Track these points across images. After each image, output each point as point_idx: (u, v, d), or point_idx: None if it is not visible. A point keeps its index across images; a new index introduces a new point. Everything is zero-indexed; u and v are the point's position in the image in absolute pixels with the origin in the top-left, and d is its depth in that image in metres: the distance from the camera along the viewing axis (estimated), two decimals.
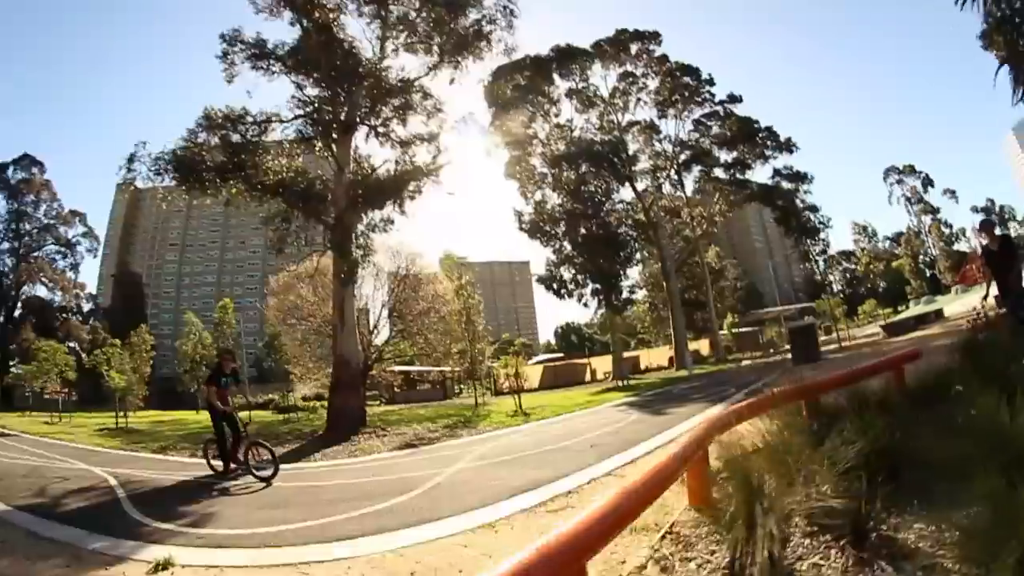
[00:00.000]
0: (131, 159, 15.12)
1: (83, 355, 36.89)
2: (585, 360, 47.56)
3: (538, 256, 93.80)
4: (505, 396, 31.77)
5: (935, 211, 76.22)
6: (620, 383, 28.74)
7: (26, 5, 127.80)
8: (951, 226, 75.95)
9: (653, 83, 41.85)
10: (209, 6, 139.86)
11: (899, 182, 77.40)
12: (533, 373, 37.78)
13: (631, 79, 41.79)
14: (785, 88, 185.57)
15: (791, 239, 40.25)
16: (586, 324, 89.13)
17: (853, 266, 79.83)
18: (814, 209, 39.61)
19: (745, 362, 34.64)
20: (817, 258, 40.88)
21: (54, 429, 22.05)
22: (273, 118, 17.77)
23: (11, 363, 46.90)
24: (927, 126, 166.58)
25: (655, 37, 41.71)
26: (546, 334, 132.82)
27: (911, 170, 77.11)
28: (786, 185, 40.31)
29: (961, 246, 74.31)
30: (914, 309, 43.89)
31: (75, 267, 60.19)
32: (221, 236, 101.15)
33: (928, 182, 76.55)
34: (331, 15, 18.75)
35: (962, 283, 50.88)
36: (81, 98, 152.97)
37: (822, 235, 39.79)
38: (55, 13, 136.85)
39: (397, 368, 31.06)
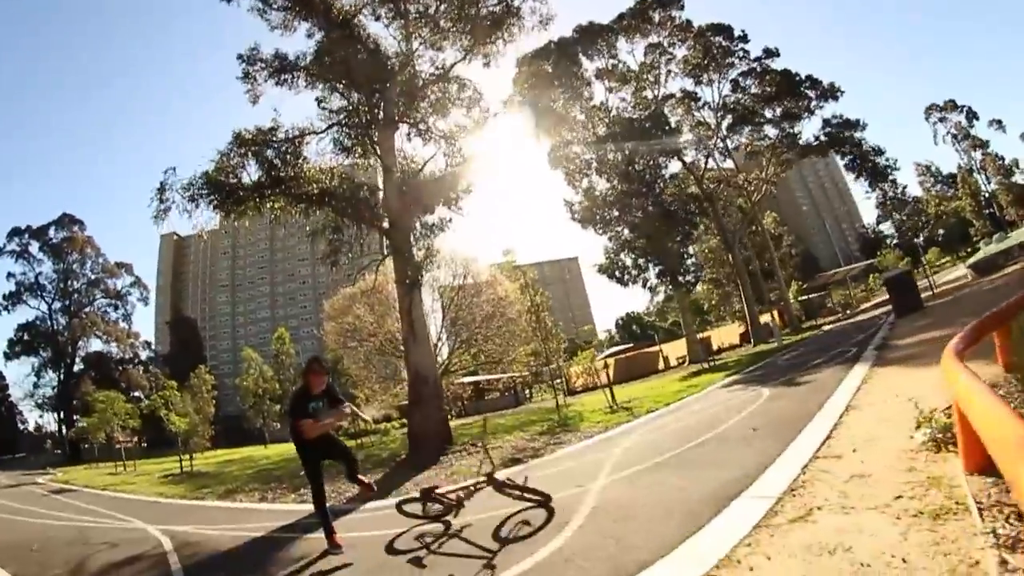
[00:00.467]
0: (162, 188, 14.02)
1: (145, 402, 37.23)
2: (656, 348, 45.59)
3: (586, 250, 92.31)
4: (580, 395, 30.11)
5: (984, 145, 71.86)
6: (704, 365, 26.70)
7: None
8: (1003, 158, 71.21)
9: (681, 51, 40.18)
10: (222, 42, 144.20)
11: (942, 120, 73.56)
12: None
13: (659, 50, 40.04)
14: (816, 35, 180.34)
15: (867, 184, 37.46)
16: (644, 312, 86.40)
17: (905, 216, 75.23)
18: (879, 152, 36.81)
19: (826, 327, 32.32)
20: (889, 202, 38.03)
21: (116, 480, 21.43)
22: (306, 131, 16.71)
23: (75, 417, 47.66)
24: (956, 57, 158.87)
25: (675, 1, 39.86)
26: (603, 327, 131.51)
27: (952, 106, 73.07)
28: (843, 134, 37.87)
29: (1019, 178, 69.76)
30: (988, 248, 40.96)
31: (127, 317, 62.25)
32: (269, 272, 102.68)
33: (972, 115, 72.45)
34: (350, 14, 17.65)
35: None
36: (110, 154, 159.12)
37: (891, 177, 36.96)
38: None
39: (466, 379, 29.77)
